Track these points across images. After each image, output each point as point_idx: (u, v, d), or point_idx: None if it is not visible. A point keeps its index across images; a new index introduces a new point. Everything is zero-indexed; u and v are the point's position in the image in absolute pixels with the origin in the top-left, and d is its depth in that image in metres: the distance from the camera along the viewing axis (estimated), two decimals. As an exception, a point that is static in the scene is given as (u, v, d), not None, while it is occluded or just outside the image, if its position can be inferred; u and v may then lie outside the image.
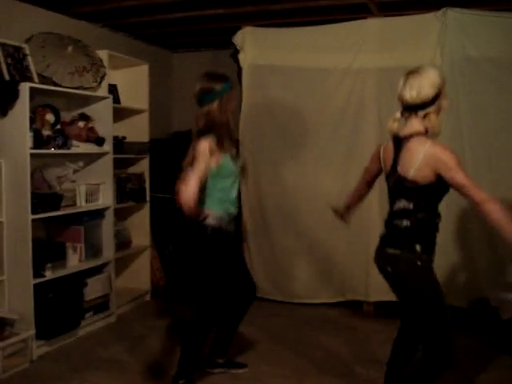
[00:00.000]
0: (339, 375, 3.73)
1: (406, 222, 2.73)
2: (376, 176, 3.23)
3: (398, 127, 2.81)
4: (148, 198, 5.37)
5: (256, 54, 5.16)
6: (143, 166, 5.35)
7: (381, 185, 4.76)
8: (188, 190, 2.97)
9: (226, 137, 3.30)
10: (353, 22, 4.85)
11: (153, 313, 5.05)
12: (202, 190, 3.21)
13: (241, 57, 5.24)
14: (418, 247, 2.69)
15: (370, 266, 4.97)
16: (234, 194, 3.41)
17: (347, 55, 4.89)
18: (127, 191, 5.14)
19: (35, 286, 3.94)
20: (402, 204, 2.76)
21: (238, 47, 5.24)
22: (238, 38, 5.21)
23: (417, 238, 2.71)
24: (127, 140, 5.11)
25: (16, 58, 3.98)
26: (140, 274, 5.41)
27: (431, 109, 2.70)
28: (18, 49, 4.03)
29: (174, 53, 6.64)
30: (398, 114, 2.81)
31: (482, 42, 4.53)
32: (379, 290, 4.99)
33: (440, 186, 2.66)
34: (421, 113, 2.70)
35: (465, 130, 4.51)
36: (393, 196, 2.85)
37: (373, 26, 4.81)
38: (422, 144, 2.65)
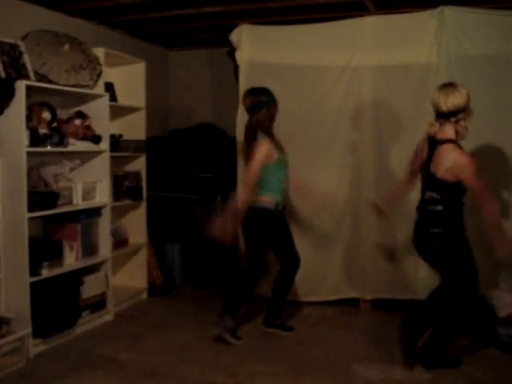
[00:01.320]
0: (336, 373, 3.73)
1: (439, 207, 3.45)
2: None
3: (434, 130, 3.47)
4: (145, 196, 5.35)
5: (253, 52, 5.15)
6: (140, 164, 5.34)
7: (379, 190, 4.80)
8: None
9: (274, 137, 4.18)
10: (350, 20, 4.84)
11: (150, 311, 5.04)
12: (262, 182, 4.12)
13: (237, 55, 5.22)
14: (449, 225, 3.42)
15: (366, 264, 4.99)
16: (286, 182, 4.28)
17: (344, 53, 4.88)
18: (124, 189, 5.13)
19: (32, 284, 3.93)
20: (431, 195, 3.49)
21: (234, 45, 5.23)
22: (235, 36, 5.19)
23: (449, 218, 3.43)
24: (124, 138, 5.10)
25: (12, 55, 3.96)
26: (137, 273, 5.40)
27: (461, 116, 3.37)
28: (13, 46, 4.01)
29: (170, 50, 6.64)
30: (433, 120, 3.48)
31: (478, 40, 4.54)
32: (376, 287, 5.01)
33: (463, 185, 3.37)
34: (453, 119, 3.37)
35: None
36: (424, 187, 3.58)
37: (370, 23, 4.81)
38: (452, 150, 3.35)
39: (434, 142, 3.46)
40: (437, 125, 3.45)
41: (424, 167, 3.55)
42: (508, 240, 3.26)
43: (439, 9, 4.56)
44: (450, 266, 3.54)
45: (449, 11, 4.53)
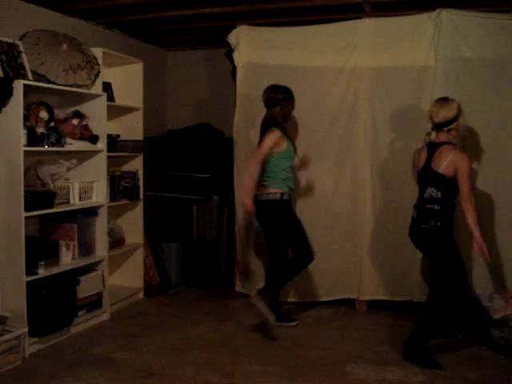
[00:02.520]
0: (331, 374, 3.74)
1: (437, 207, 3.82)
2: None
3: (430, 138, 3.91)
4: (142, 196, 5.36)
5: (250, 53, 5.16)
6: (137, 164, 5.34)
7: (375, 190, 4.81)
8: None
9: (286, 130, 4.46)
10: (347, 22, 4.86)
11: (146, 311, 5.05)
12: (269, 173, 4.43)
13: (235, 55, 5.24)
14: (439, 223, 3.80)
15: (362, 264, 5.00)
16: (293, 172, 4.53)
17: (342, 55, 4.90)
18: (121, 189, 5.14)
19: (28, 283, 3.93)
20: (431, 192, 3.84)
21: (232, 46, 5.24)
22: (233, 37, 5.21)
23: (442, 217, 3.80)
24: (121, 138, 5.10)
25: (10, 55, 3.96)
26: (133, 272, 5.41)
27: (452, 126, 3.81)
28: (12, 46, 4.01)
29: (168, 51, 6.65)
30: (430, 129, 3.92)
31: (475, 43, 4.56)
32: (372, 288, 5.03)
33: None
34: (445, 129, 3.82)
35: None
36: (424, 185, 3.92)
37: (367, 26, 4.82)
38: (451, 150, 3.77)
39: (432, 146, 3.88)
40: (433, 133, 3.89)
41: (424, 168, 3.92)
42: (479, 238, 3.68)
43: (436, 12, 4.57)
44: (437, 260, 3.96)
45: (446, 14, 4.55)
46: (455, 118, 3.80)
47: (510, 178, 4.57)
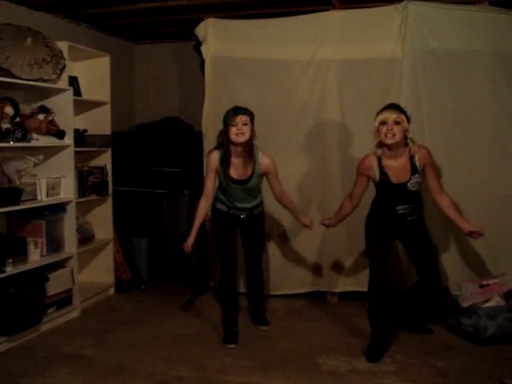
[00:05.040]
0: (303, 366, 3.76)
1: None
2: None
3: None
4: (110, 191, 5.31)
5: (218, 46, 5.13)
6: (105, 159, 5.28)
7: (344, 183, 4.82)
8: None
9: (232, 157, 4.02)
10: (315, 14, 4.86)
11: (117, 307, 5.01)
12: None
13: (203, 48, 5.19)
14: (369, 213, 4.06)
15: (333, 257, 5.02)
16: (229, 198, 4.14)
17: (309, 47, 4.90)
18: (89, 185, 5.08)
19: (-4, 281, 3.88)
20: None
21: (200, 39, 5.20)
22: (201, 30, 5.16)
23: (370, 210, 4.07)
24: (89, 133, 5.05)
25: (-27, 49, 3.90)
26: (103, 268, 5.36)
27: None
28: (-26, 40, 3.94)
29: (136, 44, 6.58)
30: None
31: (442, 34, 4.59)
32: (343, 280, 5.05)
33: (376, 185, 3.93)
34: None
35: (424, 120, 4.59)
36: None
37: (335, 18, 4.83)
38: None
39: None
40: None
41: None
42: None
43: (403, 3, 4.59)
44: None
45: (412, 6, 4.57)
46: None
47: (477, 168, 4.62)
